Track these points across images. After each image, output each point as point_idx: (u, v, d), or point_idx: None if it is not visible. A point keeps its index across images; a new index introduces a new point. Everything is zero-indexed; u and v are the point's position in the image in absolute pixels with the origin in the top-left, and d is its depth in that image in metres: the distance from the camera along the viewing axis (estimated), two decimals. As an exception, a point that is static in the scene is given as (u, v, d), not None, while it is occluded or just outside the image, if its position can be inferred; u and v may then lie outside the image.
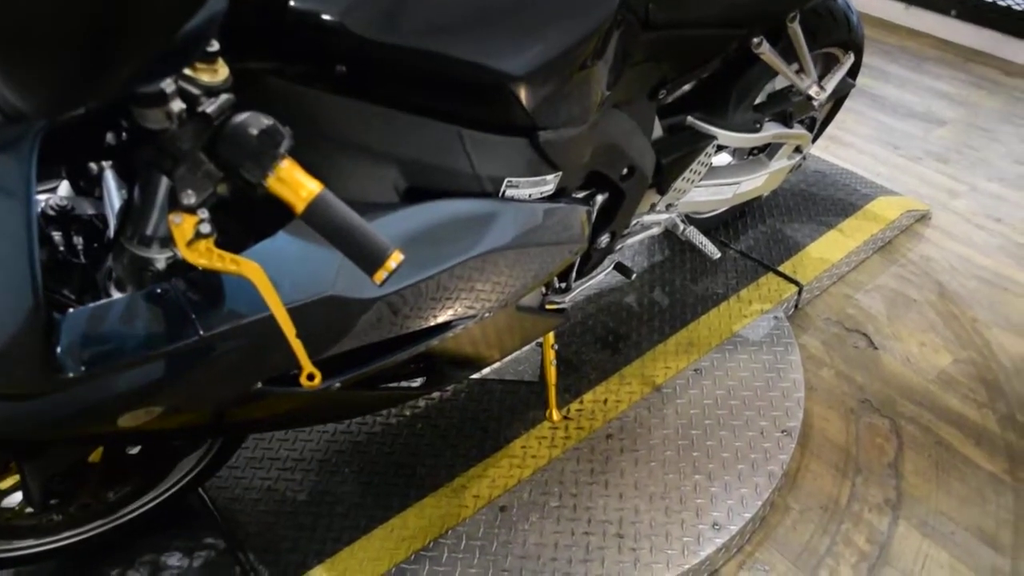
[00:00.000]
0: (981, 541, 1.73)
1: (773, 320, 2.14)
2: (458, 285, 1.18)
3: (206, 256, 0.87)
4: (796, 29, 1.76)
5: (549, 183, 1.30)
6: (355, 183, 1.11)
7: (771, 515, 1.76)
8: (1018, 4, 3.62)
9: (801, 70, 1.89)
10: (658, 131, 1.74)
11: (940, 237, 2.61)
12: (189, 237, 0.85)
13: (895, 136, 3.14)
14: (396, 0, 1.05)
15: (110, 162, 1.10)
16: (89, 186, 1.14)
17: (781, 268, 2.30)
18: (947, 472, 1.88)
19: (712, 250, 1.94)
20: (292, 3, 1.01)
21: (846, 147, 3.05)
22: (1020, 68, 3.64)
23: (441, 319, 1.21)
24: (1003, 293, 2.39)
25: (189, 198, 0.85)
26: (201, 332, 0.96)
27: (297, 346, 0.97)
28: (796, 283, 2.25)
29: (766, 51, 1.72)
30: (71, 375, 0.89)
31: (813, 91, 1.88)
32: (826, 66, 2.19)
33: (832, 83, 1.95)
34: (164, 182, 0.90)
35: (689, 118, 1.76)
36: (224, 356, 1.00)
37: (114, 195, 1.08)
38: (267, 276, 0.90)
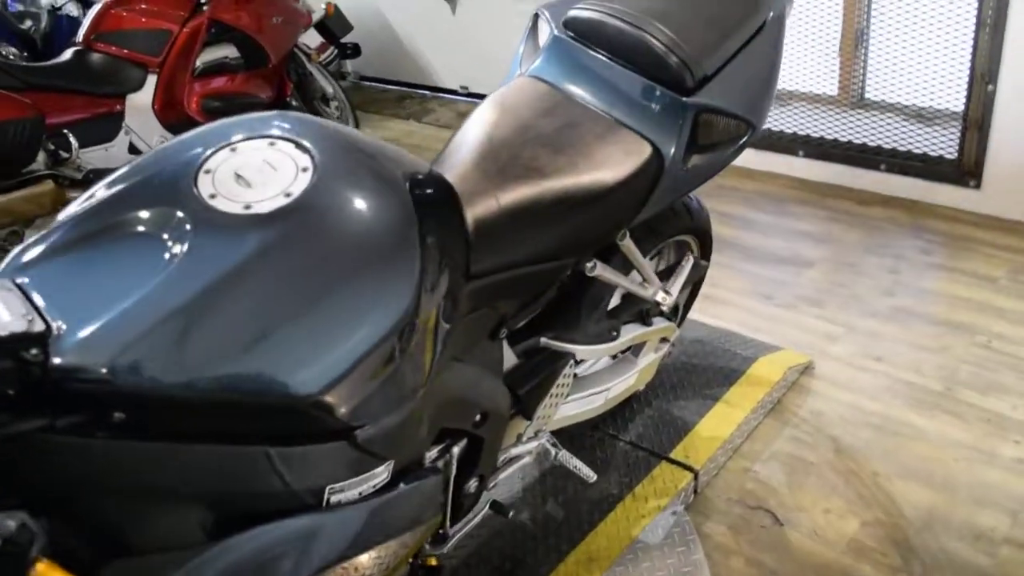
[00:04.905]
0: None
1: (672, 516, 2.05)
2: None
3: None
4: (628, 244, 1.73)
5: (380, 474, 1.20)
6: (155, 531, 1.00)
7: None
8: (856, 138, 3.82)
9: (644, 279, 1.87)
10: (512, 359, 1.68)
11: (826, 387, 2.61)
12: None
13: (767, 285, 3.20)
14: (166, 338, 0.97)
15: None
16: None
17: (673, 455, 2.24)
18: (875, 658, 1.78)
19: (587, 473, 1.86)
20: (54, 360, 0.93)
21: (721, 304, 3.08)
22: (871, 196, 3.80)
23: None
24: (896, 438, 2.37)
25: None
26: None
27: None
28: (691, 469, 2.19)
29: (602, 272, 1.68)
30: None
31: (659, 297, 1.86)
32: (679, 251, 2.19)
33: (677, 284, 1.94)
34: None
35: (542, 340, 1.71)
36: None
37: None
38: None
